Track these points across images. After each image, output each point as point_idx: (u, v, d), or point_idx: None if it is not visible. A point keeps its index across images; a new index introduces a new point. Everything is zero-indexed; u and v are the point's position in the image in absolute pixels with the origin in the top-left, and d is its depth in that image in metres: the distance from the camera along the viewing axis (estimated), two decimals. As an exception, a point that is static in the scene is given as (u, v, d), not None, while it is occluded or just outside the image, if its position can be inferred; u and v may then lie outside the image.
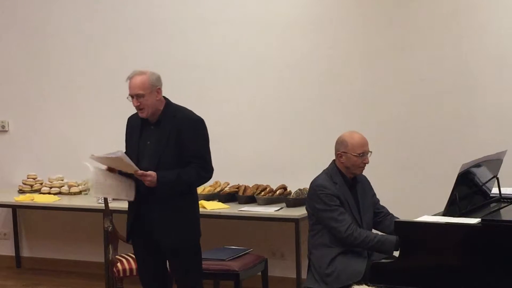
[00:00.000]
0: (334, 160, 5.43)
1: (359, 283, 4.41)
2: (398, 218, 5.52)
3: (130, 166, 5.14)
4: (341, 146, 5.37)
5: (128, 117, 5.52)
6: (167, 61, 7.46)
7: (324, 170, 5.42)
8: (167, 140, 5.24)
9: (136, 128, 5.37)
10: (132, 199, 5.29)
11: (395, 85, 6.73)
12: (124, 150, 5.40)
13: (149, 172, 5.15)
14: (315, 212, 5.31)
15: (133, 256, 6.34)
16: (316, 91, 6.99)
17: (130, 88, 5.28)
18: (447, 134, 6.59)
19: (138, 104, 5.24)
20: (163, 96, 5.35)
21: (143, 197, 5.27)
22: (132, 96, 5.27)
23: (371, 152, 5.42)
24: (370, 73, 6.80)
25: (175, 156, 5.23)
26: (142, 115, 5.28)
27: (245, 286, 6.09)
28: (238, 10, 7.21)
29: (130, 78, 5.30)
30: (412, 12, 6.66)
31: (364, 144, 5.37)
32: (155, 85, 5.27)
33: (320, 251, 5.29)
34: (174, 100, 7.35)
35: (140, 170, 5.17)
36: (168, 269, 5.48)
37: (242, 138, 7.26)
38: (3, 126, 8.23)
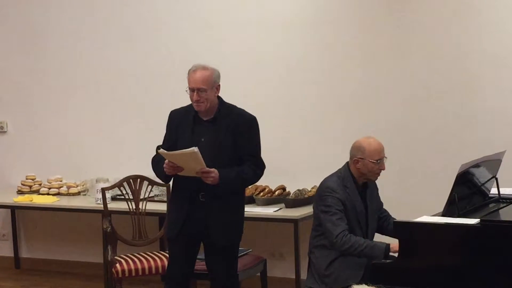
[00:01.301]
0: (347, 164, 5.39)
1: (358, 283, 4.41)
2: (396, 219, 5.54)
3: (200, 162, 5.10)
4: (358, 152, 5.33)
5: (171, 112, 5.50)
6: (166, 62, 7.47)
7: (336, 173, 5.39)
8: (224, 137, 5.27)
9: (187, 124, 5.36)
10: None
11: (394, 86, 6.73)
12: (161, 144, 5.43)
13: (213, 169, 5.16)
14: (318, 213, 5.31)
15: (132, 256, 6.35)
16: (315, 92, 6.99)
17: (191, 81, 5.29)
18: (446, 134, 6.59)
19: (199, 98, 5.25)
20: (217, 96, 5.38)
21: (195, 196, 5.28)
22: (193, 89, 5.26)
23: (386, 157, 5.38)
24: (369, 74, 6.80)
25: (231, 153, 5.27)
26: (200, 108, 5.28)
27: (244, 287, 6.09)
28: (237, 11, 7.21)
29: (193, 71, 5.32)
30: (412, 13, 6.66)
31: (381, 150, 5.34)
32: (216, 82, 5.33)
33: (320, 252, 5.30)
34: (175, 100, 7.36)
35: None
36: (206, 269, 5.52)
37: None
38: (1, 127, 8.22)
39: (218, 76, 5.36)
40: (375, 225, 5.45)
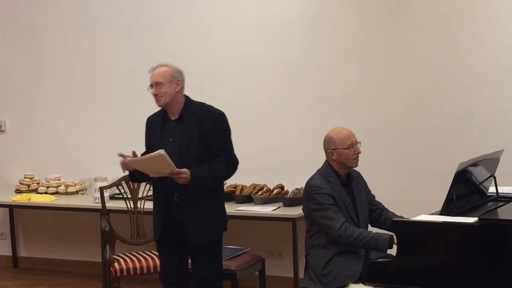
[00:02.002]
0: (326, 160, 5.43)
1: (356, 282, 4.40)
2: (394, 213, 5.55)
3: (168, 164, 5.11)
4: (329, 144, 5.40)
5: (147, 118, 5.53)
6: (162, 61, 7.44)
7: (318, 171, 5.43)
8: (191, 135, 5.26)
9: (157, 126, 5.38)
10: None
11: (393, 85, 6.73)
12: (144, 151, 5.41)
13: (184, 170, 5.15)
14: (310, 213, 5.31)
15: (130, 255, 6.35)
16: (314, 91, 6.99)
17: (151, 77, 5.35)
18: (445, 133, 6.59)
19: (156, 92, 5.28)
20: (184, 95, 5.38)
21: (172, 196, 5.28)
22: (151, 85, 5.31)
23: (360, 142, 5.42)
24: (368, 73, 6.80)
25: (199, 151, 5.25)
26: (159, 103, 5.31)
27: (242, 286, 6.10)
28: (236, 11, 7.21)
29: (153, 68, 5.38)
30: (410, 11, 6.66)
31: (350, 135, 5.39)
32: (175, 76, 5.34)
33: (317, 251, 5.29)
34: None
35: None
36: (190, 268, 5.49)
37: (239, 138, 7.19)
38: (0, 126, 8.22)
39: (179, 73, 5.38)
40: (366, 215, 5.45)
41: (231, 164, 5.36)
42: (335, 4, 6.89)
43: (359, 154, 5.40)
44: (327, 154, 5.41)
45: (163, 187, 5.30)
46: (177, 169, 5.13)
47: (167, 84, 5.29)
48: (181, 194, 5.24)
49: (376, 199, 5.63)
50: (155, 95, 5.30)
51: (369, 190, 5.59)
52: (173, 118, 5.34)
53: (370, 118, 6.77)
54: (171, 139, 5.28)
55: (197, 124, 5.26)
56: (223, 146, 5.31)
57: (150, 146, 5.39)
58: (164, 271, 5.51)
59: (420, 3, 6.61)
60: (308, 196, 5.33)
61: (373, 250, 5.23)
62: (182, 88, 5.37)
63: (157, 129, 5.36)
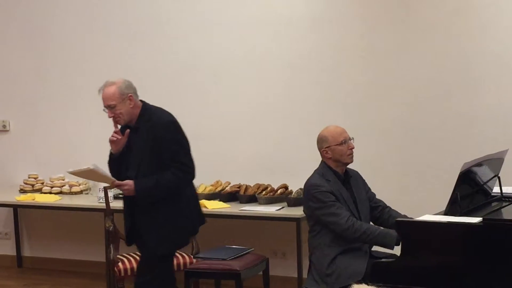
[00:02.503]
0: (322, 160, 5.45)
1: (359, 282, 4.40)
2: (398, 211, 5.55)
3: (105, 177, 5.20)
4: (322, 143, 5.43)
5: None
6: (168, 62, 7.47)
7: (315, 171, 5.45)
8: (144, 146, 5.28)
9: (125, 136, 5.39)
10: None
11: (397, 85, 6.72)
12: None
13: (125, 182, 5.21)
14: (312, 212, 5.32)
15: (134, 255, 6.35)
16: (318, 91, 6.98)
17: (103, 100, 5.34)
18: (449, 133, 6.58)
19: (112, 115, 5.29)
20: (140, 100, 5.39)
21: (132, 204, 5.35)
22: (105, 107, 5.33)
23: (353, 138, 5.44)
24: (372, 72, 6.80)
25: (152, 161, 5.26)
26: (120, 123, 5.35)
27: (246, 286, 6.09)
28: (240, 9, 7.21)
29: (101, 90, 5.37)
30: (414, 11, 6.65)
31: (342, 131, 5.42)
32: (125, 93, 5.30)
33: (320, 251, 5.30)
34: (176, 100, 7.38)
35: (127, 179, 5.23)
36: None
37: (243, 138, 7.26)
38: (4, 126, 8.23)
39: (128, 87, 5.35)
40: (367, 212, 5.46)
41: (181, 173, 5.30)
42: (340, 2, 6.88)
43: (353, 150, 5.41)
44: (321, 153, 5.44)
45: (126, 196, 5.39)
46: (118, 182, 5.21)
47: (120, 104, 5.28)
48: (136, 204, 5.31)
49: (380, 198, 5.63)
50: (112, 117, 5.31)
51: (369, 189, 5.59)
52: (132, 129, 5.36)
53: (375, 118, 6.77)
54: (132, 150, 5.33)
55: (149, 134, 5.27)
56: (172, 155, 5.29)
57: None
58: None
59: (426, 3, 6.60)
60: (308, 196, 5.33)
61: (380, 246, 5.23)
62: (136, 100, 5.35)
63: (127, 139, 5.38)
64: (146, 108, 5.36)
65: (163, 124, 5.31)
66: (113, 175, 5.39)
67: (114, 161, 5.38)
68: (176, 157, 5.29)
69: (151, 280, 5.41)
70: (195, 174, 5.42)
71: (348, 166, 5.50)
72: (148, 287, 5.44)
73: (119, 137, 5.30)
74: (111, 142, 5.33)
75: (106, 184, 6.78)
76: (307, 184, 5.38)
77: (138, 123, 5.32)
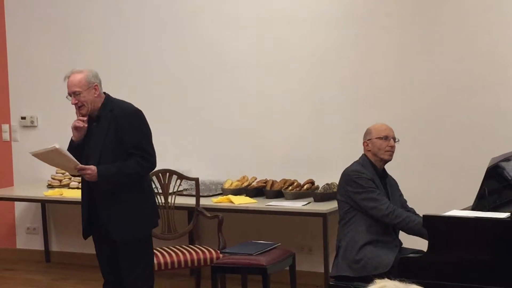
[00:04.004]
0: (363, 153, 5.50)
1: (381, 276, 4.39)
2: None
3: (68, 158, 5.19)
4: (366, 135, 5.51)
5: None
6: (195, 56, 7.48)
7: (355, 161, 5.50)
8: (106, 135, 5.31)
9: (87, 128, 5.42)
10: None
11: (423, 80, 6.70)
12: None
13: (88, 166, 5.22)
14: (349, 197, 5.33)
15: (161, 250, 6.36)
16: (343, 86, 6.97)
17: (67, 86, 5.38)
18: (476, 128, 6.55)
19: (76, 102, 5.33)
20: (104, 92, 5.42)
21: (93, 193, 5.35)
22: (70, 94, 5.36)
23: (398, 140, 5.47)
24: (399, 68, 6.77)
25: (115, 149, 5.30)
26: (82, 112, 5.37)
27: (272, 281, 6.10)
28: (265, 5, 7.20)
29: (67, 77, 5.41)
30: (440, 6, 6.62)
31: (386, 128, 5.49)
32: (91, 82, 5.35)
33: (351, 237, 5.32)
34: (202, 96, 7.40)
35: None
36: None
37: (270, 133, 7.26)
38: (32, 122, 8.28)
39: (95, 76, 5.38)
40: None
41: (145, 161, 5.33)
42: (366, -2, 6.88)
43: (393, 149, 5.42)
44: (363, 145, 5.50)
45: (86, 183, 5.38)
46: (81, 165, 5.22)
47: (85, 91, 5.32)
48: (97, 191, 5.30)
49: (407, 193, 5.63)
50: (75, 104, 5.35)
51: (402, 194, 5.61)
52: (93, 118, 5.38)
53: (401, 113, 6.74)
54: (92, 140, 5.35)
55: (112, 123, 5.30)
56: (136, 144, 5.32)
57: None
58: (100, 267, 5.60)
59: (452, -3, 6.58)
60: (348, 181, 5.36)
61: (417, 235, 5.24)
62: (100, 90, 5.39)
63: (87, 131, 5.41)
64: (109, 99, 5.43)
65: (127, 113, 5.37)
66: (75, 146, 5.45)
67: (74, 150, 5.39)
68: (139, 145, 5.34)
69: (134, 269, 5.42)
70: (156, 164, 5.46)
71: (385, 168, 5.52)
72: (137, 276, 5.44)
73: (85, 125, 5.34)
74: (75, 128, 5.38)
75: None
76: (347, 170, 5.43)
77: (100, 112, 5.36)
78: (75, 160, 5.21)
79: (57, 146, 5.16)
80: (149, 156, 5.38)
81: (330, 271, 6.26)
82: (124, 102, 5.47)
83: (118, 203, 5.32)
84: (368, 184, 5.30)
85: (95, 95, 5.35)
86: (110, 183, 5.26)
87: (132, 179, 5.35)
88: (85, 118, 5.36)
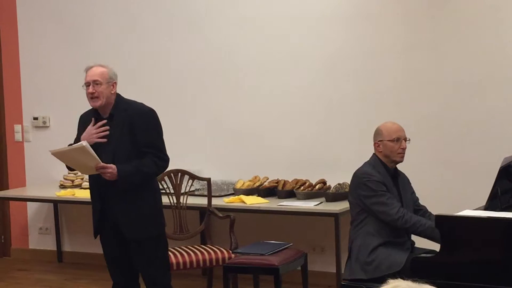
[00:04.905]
0: (374, 153, 5.48)
1: (394, 275, 4.38)
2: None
3: (93, 157, 5.17)
4: (377, 136, 5.46)
5: (80, 115, 5.62)
6: (204, 56, 7.49)
7: (366, 162, 5.46)
8: (121, 133, 5.31)
9: (89, 124, 5.41)
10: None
11: (433, 79, 6.69)
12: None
13: (110, 165, 5.21)
14: (360, 200, 5.31)
15: (173, 250, 6.37)
16: (357, 86, 6.96)
17: (88, 75, 5.40)
18: (488, 127, 6.53)
19: (94, 91, 5.32)
20: (116, 93, 5.43)
21: (105, 192, 5.34)
22: (88, 83, 5.36)
23: (409, 139, 5.45)
24: (408, 66, 6.76)
25: (129, 148, 5.30)
26: (95, 104, 5.36)
27: (284, 281, 6.09)
28: (273, 4, 7.20)
29: (89, 67, 5.44)
30: (450, 5, 6.60)
31: (398, 129, 5.42)
32: (112, 79, 5.40)
33: (362, 240, 5.30)
34: (213, 96, 7.40)
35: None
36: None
37: (281, 133, 7.25)
38: (44, 122, 8.30)
39: (115, 75, 5.43)
40: (412, 211, 5.44)
41: (160, 161, 5.37)
42: (377, -2, 6.86)
43: (404, 150, 5.40)
44: (374, 146, 5.46)
45: (96, 182, 5.37)
46: (103, 164, 5.20)
47: (105, 84, 5.35)
48: (112, 190, 5.29)
49: (418, 193, 5.62)
50: (92, 94, 5.34)
51: (414, 191, 5.58)
52: (104, 116, 5.38)
53: (412, 113, 6.73)
54: (105, 138, 5.33)
55: (126, 122, 5.31)
56: (151, 143, 5.35)
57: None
58: (109, 269, 5.59)
59: (463, -3, 6.56)
60: (358, 183, 5.34)
61: (428, 238, 5.22)
62: (115, 89, 5.42)
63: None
64: (121, 99, 5.44)
65: (142, 113, 5.39)
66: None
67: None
68: (155, 145, 5.36)
69: (152, 265, 5.43)
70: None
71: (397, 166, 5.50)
72: (159, 275, 5.45)
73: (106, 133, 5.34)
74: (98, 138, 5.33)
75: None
76: (358, 172, 5.39)
77: (113, 111, 5.36)
78: (98, 159, 5.20)
79: (84, 144, 5.14)
80: (164, 155, 5.41)
81: (342, 271, 6.26)
82: (136, 102, 5.49)
83: (131, 201, 5.32)
84: (379, 187, 5.27)
85: (111, 92, 5.37)
86: (128, 182, 5.26)
87: (148, 178, 5.38)
88: (107, 128, 5.33)
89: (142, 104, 5.48)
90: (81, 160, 5.25)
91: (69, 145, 5.46)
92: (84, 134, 5.38)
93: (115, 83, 5.40)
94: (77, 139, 5.47)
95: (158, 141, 5.40)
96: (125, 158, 5.28)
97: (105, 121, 5.35)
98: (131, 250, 5.42)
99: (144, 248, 5.39)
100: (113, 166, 5.22)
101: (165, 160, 5.42)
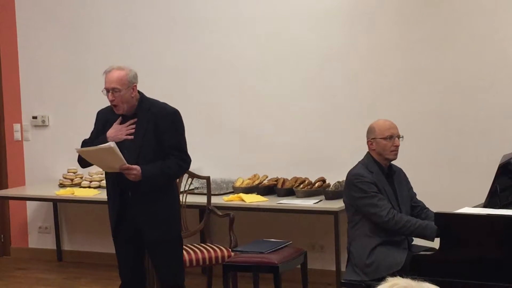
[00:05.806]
0: (368, 151, 5.47)
1: (394, 274, 4.39)
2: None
3: (119, 158, 5.14)
4: (369, 133, 5.45)
5: (98, 111, 5.63)
6: (205, 56, 7.48)
7: (359, 161, 5.45)
8: (145, 133, 5.28)
9: (109, 122, 5.39)
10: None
11: (433, 77, 6.69)
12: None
13: (135, 166, 5.18)
14: (353, 202, 5.31)
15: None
16: (354, 83, 6.96)
17: (106, 81, 5.32)
18: (487, 125, 6.53)
19: (113, 99, 5.28)
20: (138, 91, 5.38)
21: (125, 192, 5.32)
22: (108, 89, 5.30)
23: (402, 137, 5.43)
24: (407, 64, 6.76)
25: (154, 149, 5.28)
26: (118, 111, 5.33)
27: (284, 279, 6.09)
28: (273, 4, 7.20)
29: (108, 72, 5.35)
30: (449, 3, 6.61)
31: (390, 127, 5.41)
32: (132, 82, 5.31)
33: (359, 241, 5.30)
34: (214, 94, 7.40)
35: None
36: (150, 264, 5.52)
37: (281, 131, 7.25)
38: (43, 121, 8.30)
39: (135, 77, 5.34)
40: (408, 209, 5.44)
41: (184, 162, 5.36)
42: (376, -4, 6.86)
43: (398, 147, 5.39)
44: (367, 143, 5.45)
45: (117, 182, 5.34)
46: (128, 165, 5.16)
47: (124, 90, 5.27)
48: (135, 190, 5.26)
49: (418, 191, 5.61)
50: (111, 101, 5.30)
51: (411, 187, 5.58)
52: (128, 116, 5.35)
53: (413, 110, 6.73)
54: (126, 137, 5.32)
55: (151, 122, 5.28)
56: (176, 144, 5.32)
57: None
58: (120, 268, 5.56)
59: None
60: (350, 185, 5.33)
61: (420, 237, 5.21)
62: (136, 91, 5.36)
63: (110, 126, 5.38)
64: (145, 98, 5.40)
65: (167, 113, 5.35)
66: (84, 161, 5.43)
67: (87, 145, 5.38)
68: (179, 147, 5.35)
69: (172, 265, 5.43)
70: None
71: (392, 162, 5.49)
72: (173, 273, 5.46)
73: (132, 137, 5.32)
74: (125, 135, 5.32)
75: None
76: (350, 173, 5.39)
77: (137, 110, 5.33)
78: (124, 160, 5.17)
79: (112, 145, 5.12)
80: (187, 157, 5.40)
81: (342, 269, 6.27)
82: (159, 101, 5.44)
83: (153, 202, 5.30)
84: (370, 189, 5.25)
85: (132, 95, 5.31)
86: (152, 183, 5.24)
87: (171, 180, 5.39)
88: (132, 131, 5.30)
89: (165, 104, 5.43)
90: (106, 159, 5.22)
91: (84, 141, 5.43)
92: (111, 130, 5.32)
93: (135, 85, 5.31)
94: (96, 135, 5.45)
95: (182, 142, 5.38)
96: (150, 157, 5.25)
97: (135, 119, 5.31)
98: (148, 251, 5.42)
99: (162, 249, 5.38)
100: (138, 167, 5.18)
101: (188, 162, 5.41)
